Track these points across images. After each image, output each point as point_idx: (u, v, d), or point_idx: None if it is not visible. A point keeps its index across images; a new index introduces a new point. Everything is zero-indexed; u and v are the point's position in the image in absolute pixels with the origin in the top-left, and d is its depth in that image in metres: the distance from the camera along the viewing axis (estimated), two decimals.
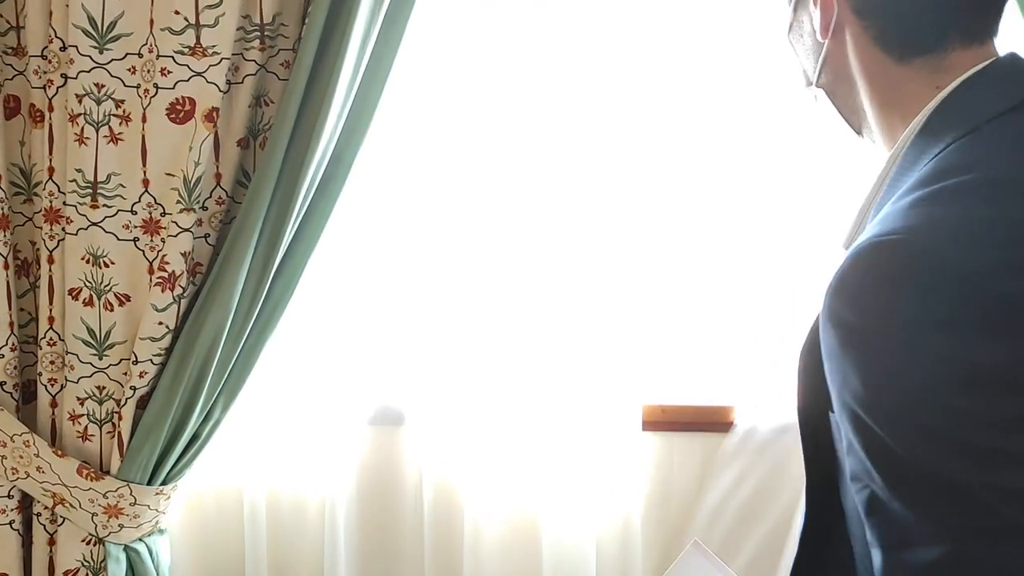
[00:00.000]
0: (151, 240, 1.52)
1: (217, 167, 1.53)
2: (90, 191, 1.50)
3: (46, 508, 1.61)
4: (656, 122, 1.71)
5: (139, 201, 1.51)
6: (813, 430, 0.88)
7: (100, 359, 1.55)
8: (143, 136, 1.49)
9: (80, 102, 1.48)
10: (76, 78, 1.47)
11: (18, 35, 1.55)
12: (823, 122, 1.67)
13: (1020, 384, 0.69)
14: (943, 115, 0.84)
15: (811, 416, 0.87)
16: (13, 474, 1.58)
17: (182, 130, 1.48)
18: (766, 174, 1.77)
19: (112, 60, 1.48)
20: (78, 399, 1.56)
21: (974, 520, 0.69)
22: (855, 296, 0.74)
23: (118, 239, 1.52)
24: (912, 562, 0.71)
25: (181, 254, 1.50)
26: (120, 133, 1.50)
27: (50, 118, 1.52)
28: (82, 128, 1.49)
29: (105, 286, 1.52)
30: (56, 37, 1.49)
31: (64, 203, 1.52)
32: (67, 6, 1.46)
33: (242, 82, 1.50)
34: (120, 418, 1.55)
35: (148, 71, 1.48)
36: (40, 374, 1.59)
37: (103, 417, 1.57)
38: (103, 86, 1.48)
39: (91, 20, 1.46)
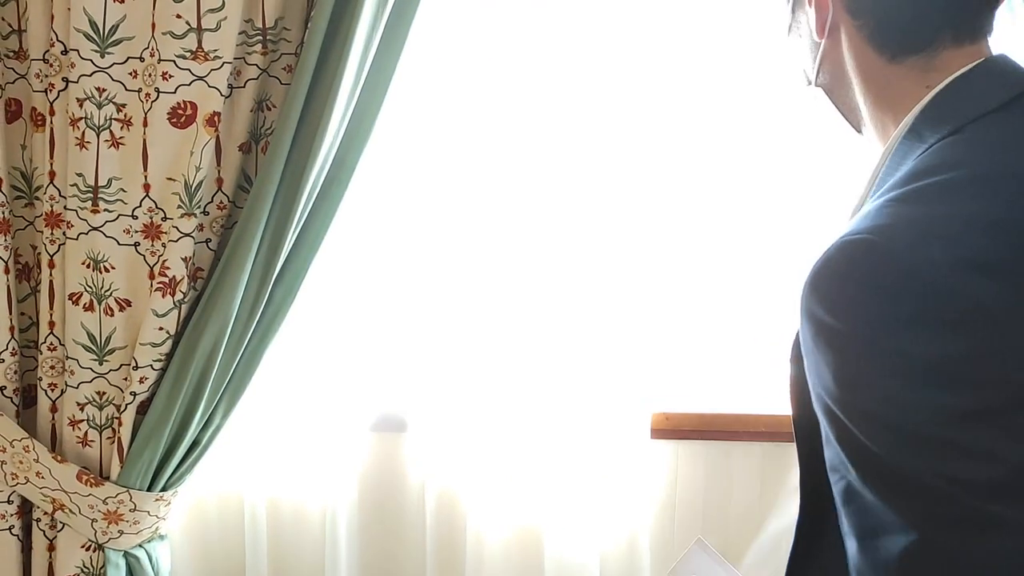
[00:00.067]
0: (152, 245, 1.51)
1: (219, 172, 1.52)
2: (91, 195, 1.49)
3: (46, 514, 1.60)
4: (661, 127, 1.70)
5: (140, 206, 1.50)
6: (807, 432, 0.88)
7: (100, 364, 1.54)
8: (144, 140, 1.48)
9: (81, 106, 1.47)
10: (77, 82, 1.47)
11: (20, 38, 1.55)
12: (826, 123, 1.68)
13: (980, 379, 0.71)
14: (930, 115, 0.85)
15: (804, 417, 0.88)
16: (13, 479, 1.58)
17: (183, 134, 1.47)
18: (769, 179, 1.76)
19: (113, 64, 1.47)
20: (78, 404, 1.56)
21: (940, 511, 0.71)
22: (824, 293, 0.76)
23: (119, 244, 1.51)
24: (883, 549, 0.73)
25: (182, 259, 1.49)
26: (121, 137, 1.49)
27: (51, 122, 1.51)
28: (83, 132, 1.48)
29: (105, 291, 1.52)
30: (57, 41, 1.48)
31: (65, 207, 1.51)
32: (68, 9, 1.46)
33: (244, 86, 1.49)
34: (120, 424, 1.54)
35: (149, 75, 1.47)
36: (40, 379, 1.58)
37: (103, 423, 1.57)
38: (104, 90, 1.47)
39: (92, 24, 1.45)
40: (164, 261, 1.49)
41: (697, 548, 1.14)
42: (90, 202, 1.50)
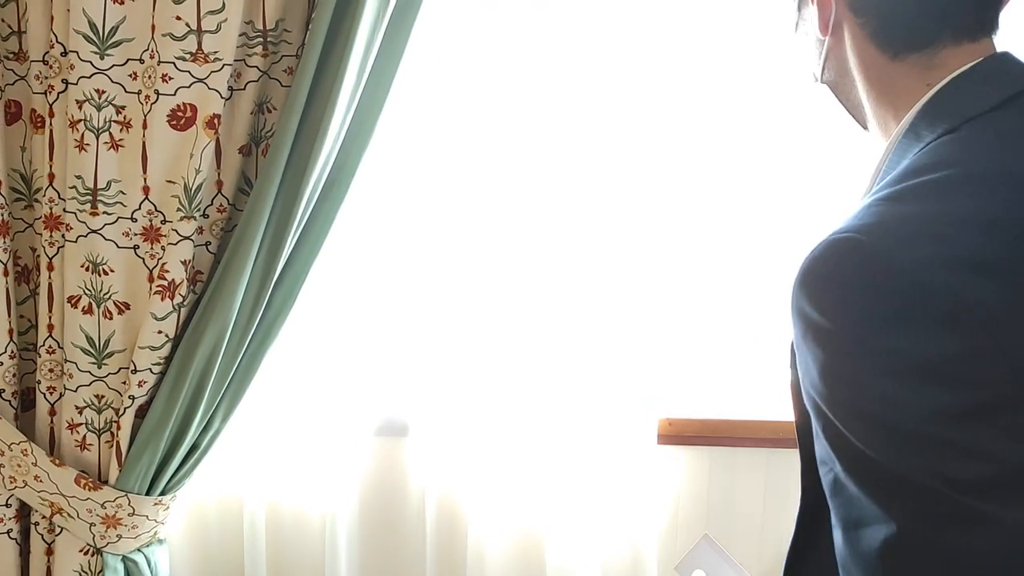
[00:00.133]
0: (151, 248, 1.50)
1: (218, 174, 1.51)
2: (90, 198, 1.48)
3: (44, 517, 1.59)
4: (665, 129, 1.69)
5: (139, 208, 1.49)
6: (807, 431, 0.89)
7: (99, 368, 1.53)
8: (144, 143, 1.47)
9: (80, 108, 1.46)
10: (77, 84, 1.46)
11: (20, 40, 1.54)
12: (828, 122, 1.68)
13: (966, 378, 0.71)
14: (928, 113, 0.86)
15: (804, 416, 0.88)
16: (11, 483, 1.57)
17: (183, 137, 1.46)
18: (775, 182, 1.75)
19: (113, 66, 1.46)
20: (77, 408, 1.55)
21: (921, 505, 0.72)
22: (812, 291, 0.77)
23: (118, 247, 1.50)
24: (865, 540, 0.74)
25: (181, 262, 1.48)
26: (120, 139, 1.48)
27: (51, 124, 1.50)
28: (82, 134, 1.47)
29: (104, 294, 1.51)
30: (57, 42, 1.47)
31: (64, 210, 1.51)
32: (68, 11, 1.45)
33: (244, 88, 1.48)
34: (119, 427, 1.53)
35: (149, 77, 1.46)
36: (39, 382, 1.57)
37: (102, 426, 1.56)
38: (104, 92, 1.47)
39: (92, 25, 1.44)
40: (163, 264, 1.48)
41: (704, 543, 1.16)
42: (89, 204, 1.49)
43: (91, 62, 1.45)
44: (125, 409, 1.52)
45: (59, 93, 1.49)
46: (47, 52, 1.49)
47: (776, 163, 1.75)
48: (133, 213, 1.49)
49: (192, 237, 1.48)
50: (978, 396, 0.71)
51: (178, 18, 1.44)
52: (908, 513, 0.72)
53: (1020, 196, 0.78)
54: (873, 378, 0.73)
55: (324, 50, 1.44)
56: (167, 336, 1.50)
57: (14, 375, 1.57)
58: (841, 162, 1.69)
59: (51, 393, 1.57)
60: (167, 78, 1.45)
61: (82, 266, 1.51)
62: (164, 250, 1.48)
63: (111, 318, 1.52)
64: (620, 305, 1.69)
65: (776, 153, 1.74)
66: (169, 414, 1.51)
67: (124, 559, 1.60)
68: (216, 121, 1.45)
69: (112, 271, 1.50)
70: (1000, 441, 0.71)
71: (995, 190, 0.78)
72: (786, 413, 1.75)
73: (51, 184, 1.51)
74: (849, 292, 0.75)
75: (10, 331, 1.55)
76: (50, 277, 1.54)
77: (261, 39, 1.47)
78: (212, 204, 1.52)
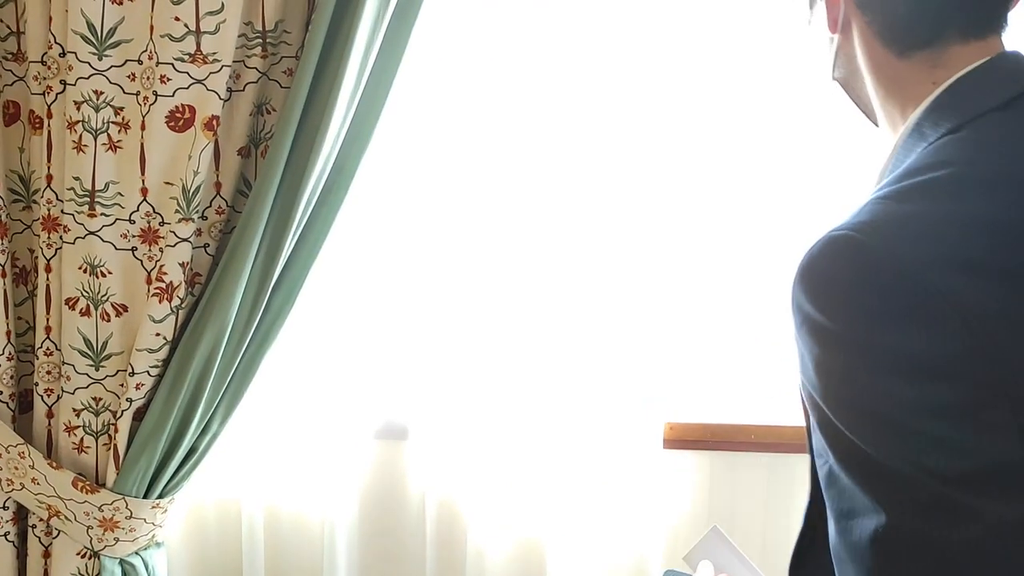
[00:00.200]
0: (149, 250, 1.49)
1: (217, 176, 1.50)
2: (88, 199, 1.48)
3: (41, 520, 1.59)
4: (669, 133, 1.68)
5: (137, 210, 1.48)
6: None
7: (97, 370, 1.52)
8: (142, 144, 1.46)
9: (78, 109, 1.46)
10: (75, 85, 1.45)
11: (18, 40, 1.53)
12: (830, 125, 1.67)
13: (946, 374, 0.72)
14: (933, 112, 0.86)
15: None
16: (8, 485, 1.56)
17: (181, 138, 1.46)
18: (782, 186, 1.74)
19: (111, 67, 1.46)
20: (74, 410, 1.54)
21: (911, 497, 0.73)
22: (808, 286, 0.78)
23: (116, 248, 1.49)
24: (856, 531, 0.76)
25: (179, 264, 1.47)
26: (119, 141, 1.47)
27: (49, 125, 1.50)
28: (80, 135, 1.46)
29: (102, 296, 1.50)
30: (55, 43, 1.47)
31: (62, 211, 1.50)
32: (67, 12, 1.44)
33: (243, 90, 1.48)
34: (116, 430, 1.52)
35: (148, 78, 1.45)
36: (36, 384, 1.57)
37: (99, 429, 1.55)
38: (102, 93, 1.46)
39: (90, 26, 1.43)
40: (161, 266, 1.47)
41: (712, 535, 1.17)
42: (87, 206, 1.48)
43: (89, 63, 1.45)
44: (123, 412, 1.51)
45: (57, 94, 1.48)
46: (45, 53, 1.49)
47: (780, 166, 1.73)
48: (131, 215, 1.49)
49: (190, 239, 1.47)
50: (964, 392, 0.72)
51: (177, 19, 1.43)
52: (897, 505, 0.74)
53: (1019, 196, 0.78)
54: (863, 373, 0.75)
55: (324, 51, 1.44)
56: (165, 339, 1.49)
57: (11, 377, 1.56)
58: (845, 164, 1.68)
59: (49, 395, 1.56)
60: (165, 79, 1.44)
61: (80, 268, 1.50)
62: (162, 252, 1.48)
63: (109, 320, 1.51)
64: (620, 307, 1.68)
65: (780, 156, 1.73)
66: (167, 417, 1.50)
67: (122, 562, 1.59)
68: (215, 122, 1.44)
69: (110, 273, 1.50)
70: (977, 435, 0.72)
71: (994, 190, 0.79)
72: (788, 418, 1.75)
73: (49, 185, 1.51)
74: (843, 289, 0.76)
75: (8, 333, 1.55)
76: (48, 279, 1.53)
77: (260, 40, 1.46)
78: (210, 206, 1.51)
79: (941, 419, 0.72)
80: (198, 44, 1.43)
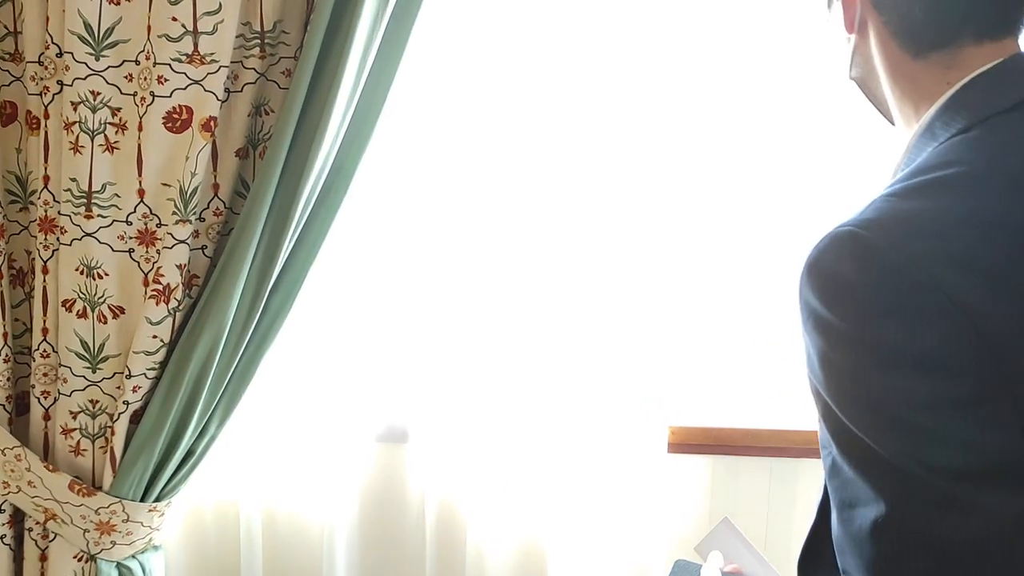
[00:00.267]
0: (146, 251, 1.48)
1: (215, 177, 1.49)
2: (84, 200, 1.47)
3: (38, 523, 1.58)
4: (672, 131, 1.66)
5: (134, 211, 1.47)
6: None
7: (93, 372, 1.51)
8: (139, 145, 1.45)
9: (75, 110, 1.45)
10: (72, 85, 1.44)
11: (15, 40, 1.52)
12: (830, 127, 1.66)
13: (944, 369, 0.73)
14: (945, 112, 0.87)
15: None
16: (4, 488, 1.55)
17: (179, 139, 1.45)
18: (780, 192, 1.73)
19: (108, 67, 1.45)
20: (71, 413, 1.53)
21: (910, 488, 0.75)
22: (815, 281, 0.79)
23: (113, 250, 1.48)
24: (857, 520, 0.78)
25: (176, 266, 1.46)
26: (116, 142, 1.46)
27: (46, 125, 1.49)
28: (77, 136, 1.45)
29: (99, 298, 1.49)
30: (53, 43, 1.46)
31: (59, 212, 1.49)
32: (63, 12, 1.43)
33: (241, 91, 1.47)
34: (113, 433, 1.51)
35: (145, 79, 1.44)
36: (33, 386, 1.56)
37: (96, 432, 1.54)
38: (99, 94, 1.45)
39: (87, 26, 1.42)
40: (159, 268, 1.46)
41: (723, 526, 1.19)
42: (84, 207, 1.47)
43: (86, 63, 1.44)
44: (119, 414, 1.50)
45: (54, 95, 1.47)
46: (42, 53, 1.48)
47: (781, 169, 1.72)
48: (128, 216, 1.48)
49: (188, 241, 1.46)
50: (967, 389, 0.74)
51: (174, 19, 1.42)
52: (897, 495, 0.75)
53: (1022, 197, 0.79)
54: (867, 368, 0.76)
55: (322, 52, 1.43)
56: (162, 341, 1.48)
57: (8, 379, 1.55)
58: (846, 166, 1.66)
59: (45, 398, 1.55)
60: (163, 80, 1.43)
61: (76, 269, 1.49)
62: (159, 254, 1.47)
63: (105, 322, 1.50)
64: (622, 310, 1.67)
65: (781, 158, 1.72)
66: (164, 420, 1.49)
67: (119, 565, 1.58)
68: (212, 123, 1.43)
69: (107, 275, 1.49)
70: (979, 431, 0.73)
71: (1001, 190, 0.80)
72: (790, 422, 1.74)
73: (46, 186, 1.50)
74: (848, 284, 0.77)
75: (4, 335, 1.54)
76: (45, 280, 1.52)
77: (259, 40, 1.45)
78: (208, 207, 1.50)
79: (943, 415, 0.74)
80: (196, 45, 1.42)
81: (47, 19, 1.46)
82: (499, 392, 1.70)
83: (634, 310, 1.67)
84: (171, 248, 1.46)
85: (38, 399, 1.55)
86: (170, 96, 1.43)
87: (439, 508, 1.73)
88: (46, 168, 1.49)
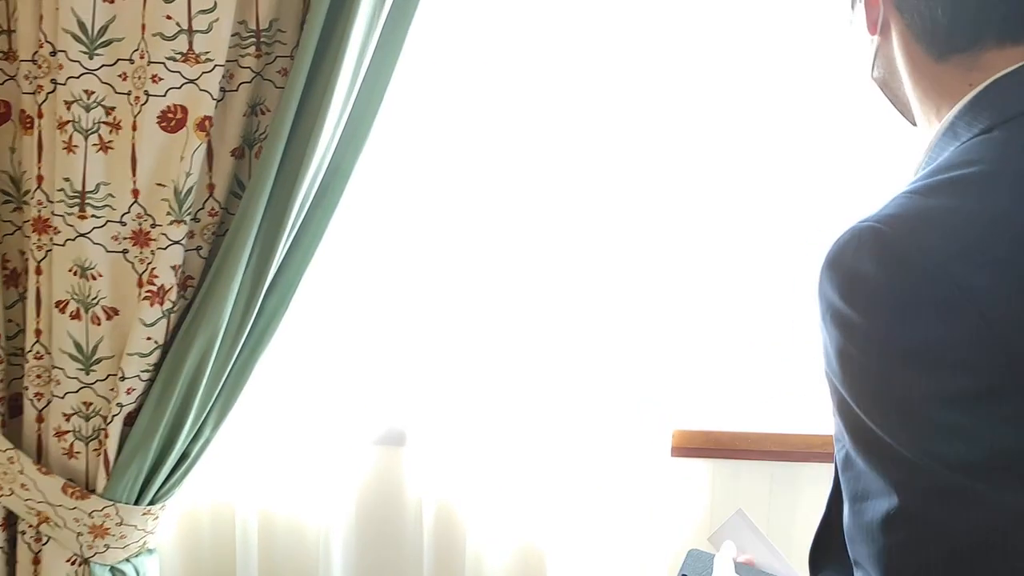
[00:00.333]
0: (140, 252, 1.47)
1: (210, 177, 1.47)
2: (78, 201, 1.45)
3: (31, 526, 1.56)
4: (673, 132, 1.65)
5: (128, 212, 1.46)
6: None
7: (87, 374, 1.50)
8: (133, 145, 1.44)
9: (69, 109, 1.43)
10: (65, 84, 1.43)
11: (9, 39, 1.51)
12: (831, 129, 1.64)
13: (955, 363, 0.74)
14: (967, 113, 0.88)
15: None
16: None
17: (173, 139, 1.43)
18: (783, 195, 1.71)
19: (102, 66, 1.43)
20: (64, 415, 1.52)
21: (919, 480, 0.76)
22: (834, 275, 0.81)
23: (106, 251, 1.47)
24: (868, 512, 0.79)
25: (171, 267, 1.45)
26: (110, 141, 1.45)
27: (39, 125, 1.47)
28: (70, 136, 1.44)
29: (92, 299, 1.48)
30: (46, 42, 1.44)
31: (52, 213, 1.47)
32: (57, 10, 1.42)
33: (237, 90, 1.45)
34: (107, 435, 1.50)
35: (139, 78, 1.43)
36: (27, 388, 1.54)
37: (89, 434, 1.53)
38: (92, 93, 1.43)
39: (81, 25, 1.41)
40: (153, 269, 1.45)
41: (737, 517, 1.20)
42: (77, 208, 1.46)
43: (80, 62, 1.42)
44: (113, 417, 1.49)
45: (48, 93, 1.46)
46: (36, 51, 1.46)
47: (784, 172, 1.71)
48: (122, 216, 1.46)
49: (182, 241, 1.45)
50: (979, 383, 0.74)
51: (168, 17, 1.40)
52: (909, 489, 0.76)
53: None
54: (883, 362, 0.77)
55: (318, 51, 1.41)
56: (156, 343, 1.47)
57: (1, 381, 1.54)
58: (848, 168, 1.65)
59: (38, 400, 1.54)
60: (157, 79, 1.41)
61: (70, 270, 1.47)
62: (153, 255, 1.45)
63: (99, 324, 1.48)
64: (623, 313, 1.66)
65: (784, 161, 1.71)
66: (158, 422, 1.48)
67: (112, 569, 1.57)
68: (207, 123, 1.41)
69: (100, 276, 1.47)
70: (993, 425, 0.74)
71: (1009, 189, 0.80)
72: (791, 426, 1.72)
73: (40, 186, 1.48)
74: (866, 279, 0.78)
75: None
76: (38, 281, 1.51)
77: (254, 39, 1.43)
78: (203, 208, 1.48)
79: (955, 408, 0.74)
80: (190, 43, 1.41)
81: (41, 17, 1.45)
82: (499, 395, 1.68)
83: (635, 312, 1.66)
84: (165, 249, 1.44)
85: (31, 401, 1.54)
86: (164, 95, 1.42)
87: (437, 511, 1.72)
88: (40, 168, 1.48)
